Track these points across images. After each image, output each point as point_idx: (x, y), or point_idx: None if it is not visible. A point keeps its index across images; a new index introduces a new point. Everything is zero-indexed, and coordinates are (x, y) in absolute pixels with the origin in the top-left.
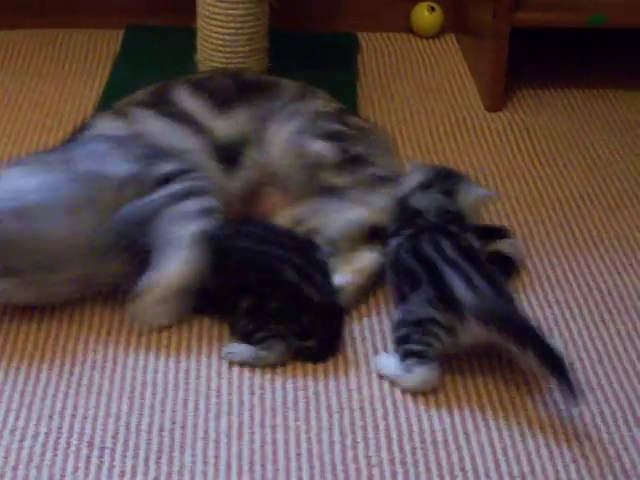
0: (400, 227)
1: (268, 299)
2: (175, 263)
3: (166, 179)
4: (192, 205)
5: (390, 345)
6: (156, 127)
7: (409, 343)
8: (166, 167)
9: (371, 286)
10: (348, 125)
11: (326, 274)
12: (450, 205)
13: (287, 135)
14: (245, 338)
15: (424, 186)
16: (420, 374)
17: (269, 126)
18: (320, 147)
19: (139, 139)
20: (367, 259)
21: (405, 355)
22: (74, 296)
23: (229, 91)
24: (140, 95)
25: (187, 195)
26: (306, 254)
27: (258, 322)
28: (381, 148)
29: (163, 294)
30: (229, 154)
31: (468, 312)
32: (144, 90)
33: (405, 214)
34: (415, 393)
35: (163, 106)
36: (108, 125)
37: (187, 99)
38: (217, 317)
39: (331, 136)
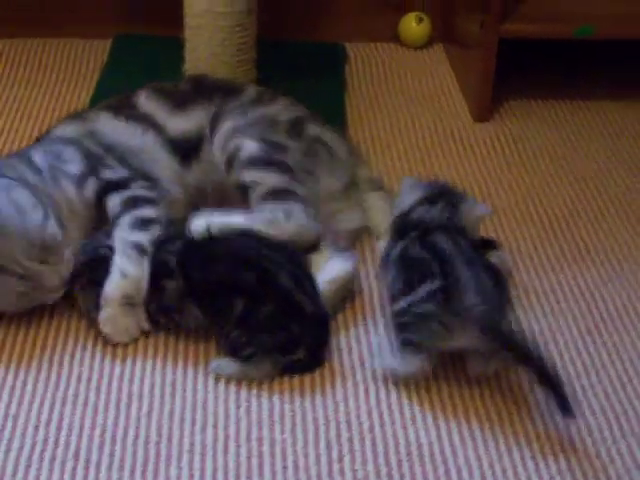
0: (404, 233)
1: (263, 301)
2: (115, 276)
3: (116, 185)
4: (141, 213)
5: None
6: (110, 126)
7: (409, 332)
8: (113, 174)
9: (346, 295)
10: (297, 136)
11: (315, 285)
12: (456, 220)
13: (222, 131)
14: (234, 351)
15: (429, 201)
16: (413, 362)
17: (218, 123)
18: (243, 144)
19: (92, 137)
20: (340, 269)
21: (404, 343)
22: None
23: (188, 93)
24: (106, 101)
25: (137, 203)
26: (297, 262)
27: (250, 332)
28: (326, 168)
29: (111, 308)
30: (186, 148)
31: (472, 320)
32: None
33: (407, 225)
34: (406, 383)
35: (123, 109)
36: (66, 128)
37: (146, 102)
38: (203, 330)
39: (261, 139)
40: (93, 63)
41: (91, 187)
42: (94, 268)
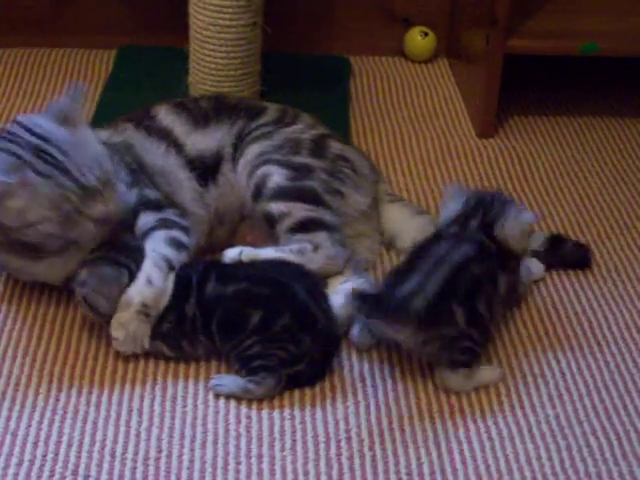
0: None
1: (280, 313)
2: (141, 280)
3: (153, 204)
4: (175, 234)
5: None
6: (137, 140)
7: None
8: (151, 193)
9: None
10: (322, 155)
11: (328, 300)
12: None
13: (248, 157)
14: (243, 363)
15: (460, 220)
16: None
17: (241, 145)
18: (271, 172)
19: (127, 150)
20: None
21: None
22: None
23: (209, 110)
24: (127, 114)
25: (172, 225)
26: (310, 278)
27: (264, 342)
28: (352, 185)
29: (127, 313)
30: (203, 169)
31: None
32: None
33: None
34: (408, 402)
35: (145, 121)
36: (99, 132)
37: (167, 116)
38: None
39: (288, 165)
40: (97, 74)
41: (133, 198)
42: (115, 249)
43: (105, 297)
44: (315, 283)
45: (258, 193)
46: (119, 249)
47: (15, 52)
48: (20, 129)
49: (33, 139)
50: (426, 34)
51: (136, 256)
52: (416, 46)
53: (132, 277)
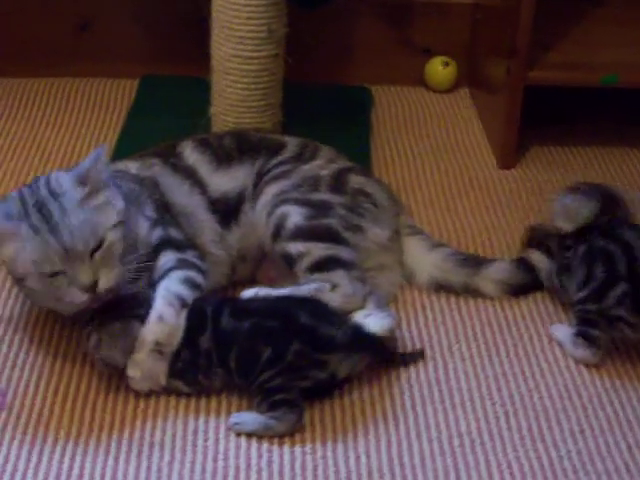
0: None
1: (287, 343)
2: (152, 319)
3: (175, 244)
4: (192, 275)
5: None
6: (164, 178)
7: (591, 327)
8: (174, 233)
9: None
10: (341, 190)
11: (338, 315)
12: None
13: (267, 197)
14: (263, 395)
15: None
16: (584, 352)
17: (260, 185)
18: (289, 211)
19: (155, 187)
20: (380, 327)
21: (580, 334)
22: None
23: (232, 149)
24: (153, 148)
25: (190, 267)
26: (315, 301)
27: (284, 374)
28: (372, 219)
29: (142, 353)
30: (227, 210)
31: None
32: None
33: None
34: (429, 436)
35: (172, 158)
36: (128, 164)
37: (192, 154)
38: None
39: (306, 202)
40: (120, 103)
41: (157, 235)
42: (123, 305)
43: (121, 352)
44: (319, 303)
45: (277, 233)
46: (121, 302)
47: (38, 82)
48: (43, 180)
49: (44, 192)
50: (447, 64)
51: (139, 301)
52: (437, 76)
53: (143, 321)
